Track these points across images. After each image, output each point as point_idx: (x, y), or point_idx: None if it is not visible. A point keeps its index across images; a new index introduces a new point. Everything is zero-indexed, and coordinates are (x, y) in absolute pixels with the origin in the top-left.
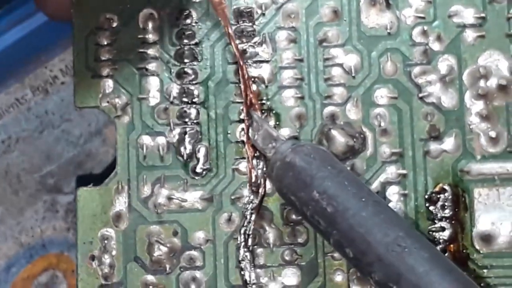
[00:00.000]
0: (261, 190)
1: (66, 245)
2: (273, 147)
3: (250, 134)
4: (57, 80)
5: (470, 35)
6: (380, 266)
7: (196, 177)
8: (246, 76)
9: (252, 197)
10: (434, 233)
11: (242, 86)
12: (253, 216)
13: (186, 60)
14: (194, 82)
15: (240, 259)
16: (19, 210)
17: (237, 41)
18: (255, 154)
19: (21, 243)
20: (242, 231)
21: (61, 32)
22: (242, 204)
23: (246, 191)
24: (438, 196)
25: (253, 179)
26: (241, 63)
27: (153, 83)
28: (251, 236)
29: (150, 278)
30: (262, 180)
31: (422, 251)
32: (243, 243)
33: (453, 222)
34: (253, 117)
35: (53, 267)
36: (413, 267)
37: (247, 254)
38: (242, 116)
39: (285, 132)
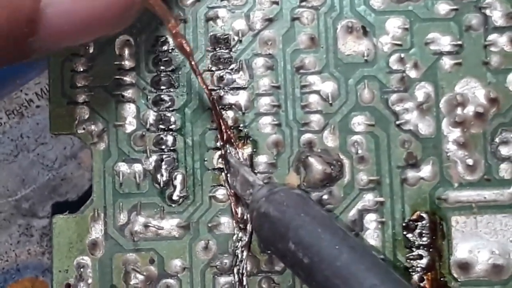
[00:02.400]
0: (248, 226)
1: (40, 270)
2: (250, 194)
3: (229, 180)
4: (32, 103)
5: (447, 62)
6: None
7: (173, 205)
8: (219, 115)
9: (240, 234)
10: (411, 261)
11: (217, 125)
12: (245, 254)
13: (162, 87)
14: (170, 109)
15: None
16: None
17: (214, 68)
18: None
19: None
20: (235, 271)
21: None
22: (232, 243)
23: (223, 219)
24: (416, 223)
25: (239, 215)
26: (214, 103)
27: (129, 110)
28: (245, 274)
29: None
30: (248, 216)
31: None
32: (237, 283)
33: (430, 250)
34: (230, 162)
35: None
36: None
37: None
38: (218, 144)
39: (262, 159)
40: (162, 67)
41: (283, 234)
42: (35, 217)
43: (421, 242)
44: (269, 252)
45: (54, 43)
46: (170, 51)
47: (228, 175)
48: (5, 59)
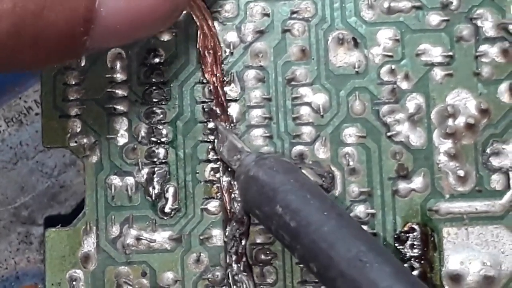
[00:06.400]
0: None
1: (40, 277)
2: (238, 159)
3: (216, 146)
4: (32, 111)
5: (438, 73)
6: (343, 282)
7: (165, 217)
8: (218, 83)
9: (236, 225)
10: None
11: (213, 90)
12: (244, 242)
13: (154, 100)
14: (162, 121)
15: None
16: None
17: (205, 80)
18: (230, 193)
19: None
20: (233, 251)
21: None
22: (227, 234)
23: (215, 232)
24: (407, 235)
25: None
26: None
27: (121, 122)
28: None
29: None
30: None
31: (385, 265)
32: (234, 262)
33: (422, 261)
34: (218, 128)
35: None
36: (375, 282)
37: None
38: (210, 156)
39: None
40: (153, 80)
41: (271, 197)
42: (34, 224)
43: (412, 254)
44: (250, 216)
45: (106, 41)
46: (161, 63)
47: (215, 140)
48: (58, 57)
